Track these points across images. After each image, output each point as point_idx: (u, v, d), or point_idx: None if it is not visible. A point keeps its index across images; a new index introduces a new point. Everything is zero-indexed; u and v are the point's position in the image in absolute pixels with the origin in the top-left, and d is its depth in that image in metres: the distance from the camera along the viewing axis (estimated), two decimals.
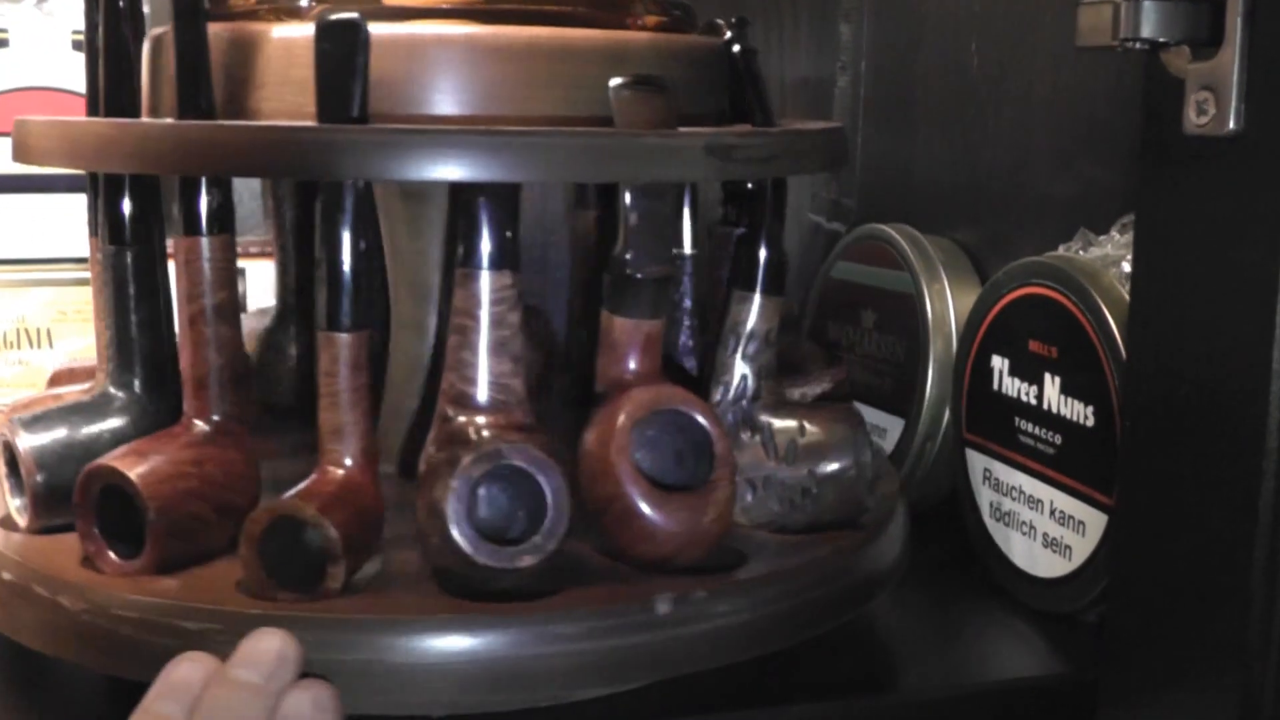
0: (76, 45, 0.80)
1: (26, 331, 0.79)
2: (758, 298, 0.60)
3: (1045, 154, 0.75)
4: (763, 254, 0.60)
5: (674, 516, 0.54)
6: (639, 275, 0.55)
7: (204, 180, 0.56)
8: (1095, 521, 0.62)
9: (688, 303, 0.65)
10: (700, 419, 0.55)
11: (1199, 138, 0.46)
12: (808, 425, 0.59)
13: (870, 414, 0.79)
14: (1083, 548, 0.63)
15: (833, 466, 0.59)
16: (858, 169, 0.92)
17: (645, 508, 0.53)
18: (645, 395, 0.55)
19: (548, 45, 0.57)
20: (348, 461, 0.54)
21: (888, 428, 0.78)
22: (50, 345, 0.79)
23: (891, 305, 0.80)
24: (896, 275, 0.79)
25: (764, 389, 0.60)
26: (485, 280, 0.54)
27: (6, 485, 0.59)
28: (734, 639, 0.54)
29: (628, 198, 0.55)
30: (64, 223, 0.79)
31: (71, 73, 0.80)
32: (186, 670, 0.46)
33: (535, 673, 0.51)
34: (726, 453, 0.55)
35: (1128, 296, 0.60)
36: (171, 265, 0.57)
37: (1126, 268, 0.62)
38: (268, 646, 0.47)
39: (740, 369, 0.60)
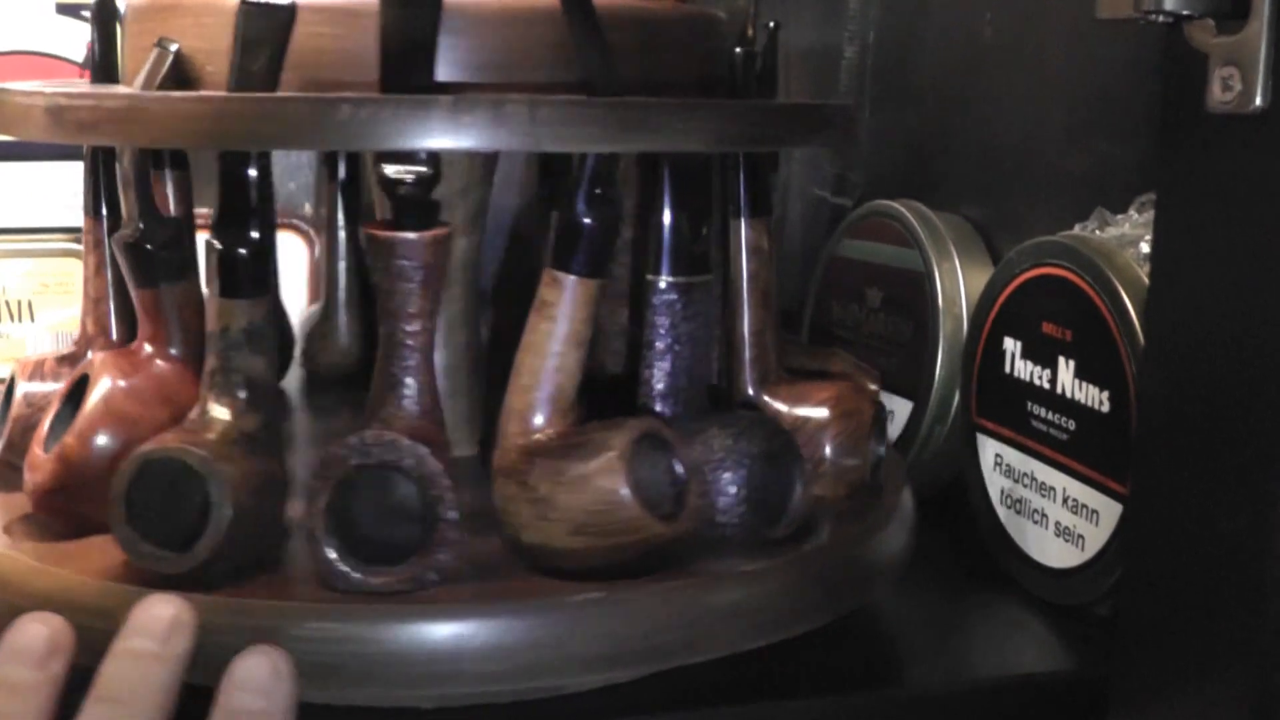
0: (61, 9, 0.78)
1: (7, 304, 0.78)
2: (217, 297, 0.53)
3: (1060, 129, 0.73)
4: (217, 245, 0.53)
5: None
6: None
7: None
8: (1109, 510, 0.60)
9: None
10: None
11: (1223, 115, 0.44)
12: None
13: None
14: (1096, 537, 0.61)
15: None
16: (864, 142, 0.90)
17: None
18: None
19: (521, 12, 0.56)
20: None
21: (894, 410, 0.76)
22: (32, 318, 0.78)
23: (899, 284, 0.78)
24: (905, 253, 0.77)
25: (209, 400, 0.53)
26: None
27: None
28: (733, 630, 0.53)
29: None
30: (47, 192, 0.77)
31: (56, 37, 0.78)
32: (34, 631, 0.44)
33: (527, 662, 0.50)
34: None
35: (1146, 278, 0.59)
36: None
37: (1144, 248, 0.60)
38: (159, 613, 0.45)
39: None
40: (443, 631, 0.49)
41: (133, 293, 0.56)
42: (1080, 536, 0.62)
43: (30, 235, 0.78)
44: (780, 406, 0.61)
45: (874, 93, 0.90)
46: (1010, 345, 0.67)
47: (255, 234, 0.52)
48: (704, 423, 0.55)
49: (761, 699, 0.54)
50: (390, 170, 0.51)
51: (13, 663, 0.44)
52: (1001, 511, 0.68)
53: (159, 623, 0.44)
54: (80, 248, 0.64)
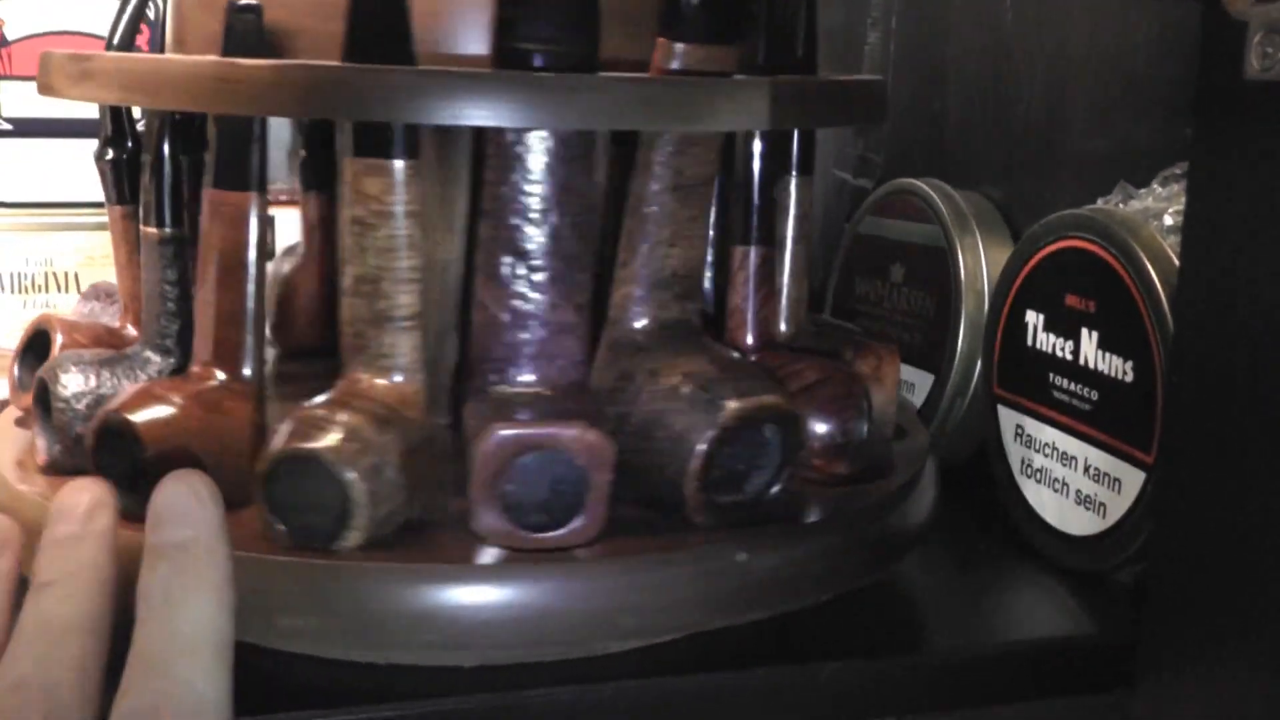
0: None
1: (54, 275, 0.79)
2: None
3: (1081, 108, 0.74)
4: None
5: None
6: None
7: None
8: (1132, 479, 0.61)
9: None
10: None
11: (1261, 84, 0.45)
12: None
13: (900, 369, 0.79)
14: (1118, 506, 0.62)
15: None
16: (886, 124, 0.91)
17: None
18: None
19: None
20: None
21: (916, 383, 0.78)
22: (78, 290, 0.79)
23: (922, 259, 0.79)
24: (927, 229, 0.79)
25: None
26: None
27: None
28: (761, 594, 0.53)
29: None
30: (93, 167, 0.79)
31: (95, 16, 0.79)
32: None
33: (567, 624, 0.51)
34: None
35: (1169, 250, 0.60)
36: None
37: (1169, 220, 0.61)
38: (78, 499, 0.45)
39: None
40: (482, 595, 0.50)
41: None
42: (1102, 505, 0.63)
43: (76, 209, 0.79)
44: None
45: (897, 77, 0.91)
46: (1033, 318, 0.68)
47: None
48: None
49: (788, 663, 0.55)
50: None
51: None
52: (1022, 481, 0.69)
53: (79, 507, 0.45)
54: None
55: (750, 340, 0.62)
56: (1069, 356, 0.65)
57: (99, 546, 0.44)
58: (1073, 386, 0.65)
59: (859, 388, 0.60)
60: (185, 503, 0.43)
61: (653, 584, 0.51)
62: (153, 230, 0.57)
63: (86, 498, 0.45)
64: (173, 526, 0.43)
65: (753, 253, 0.61)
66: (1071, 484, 0.65)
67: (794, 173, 0.63)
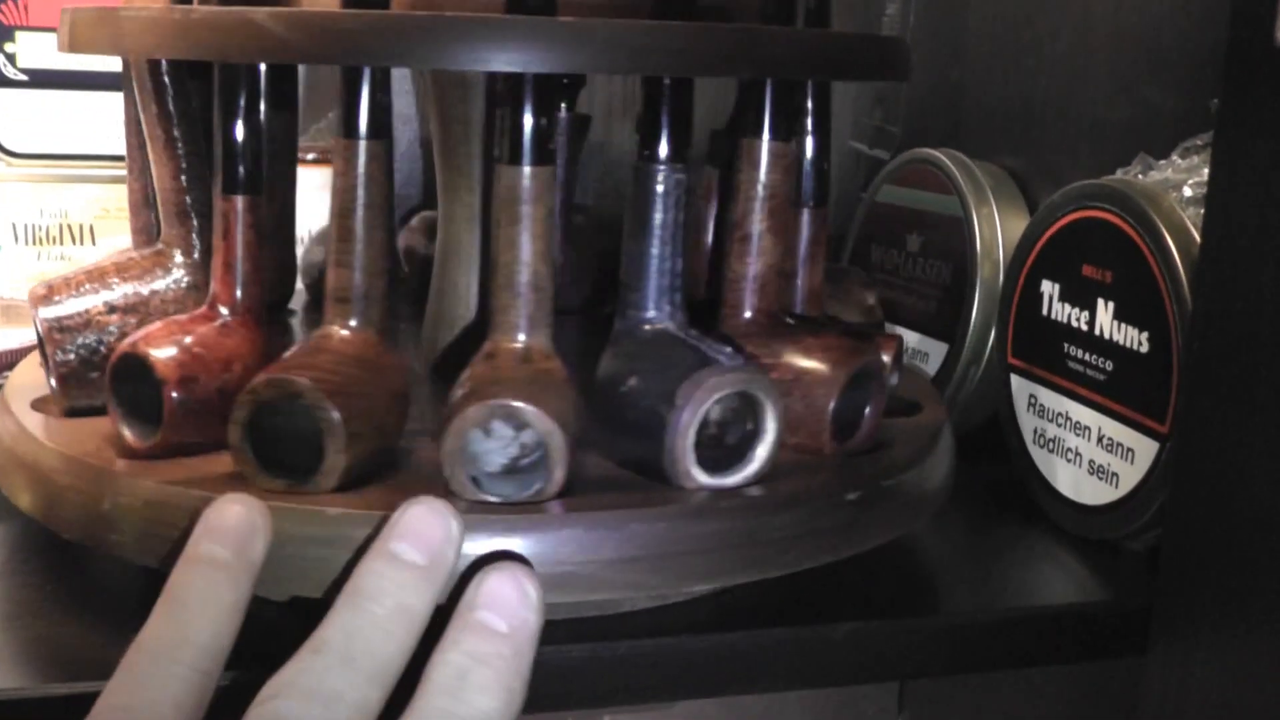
0: None
1: (69, 228, 0.79)
2: None
3: (1101, 80, 0.74)
4: None
5: None
6: None
7: None
8: (1146, 449, 0.61)
9: None
10: None
11: None
12: None
13: (914, 338, 0.79)
14: (1131, 475, 0.62)
15: None
16: (903, 95, 0.91)
17: None
18: None
19: None
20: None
21: (930, 352, 0.78)
22: (93, 242, 0.79)
23: (939, 229, 0.79)
24: (944, 199, 0.79)
25: None
26: None
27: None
28: (777, 553, 0.53)
29: None
30: (109, 120, 0.78)
31: None
32: (234, 512, 0.44)
33: (575, 581, 0.50)
34: None
35: (1188, 221, 0.60)
36: None
37: (1188, 192, 0.61)
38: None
39: None
40: (506, 545, 0.49)
41: None
42: (1114, 474, 0.63)
43: (92, 161, 0.79)
44: None
45: (916, 48, 0.90)
46: (1048, 288, 0.68)
47: None
48: None
49: (804, 623, 0.55)
50: None
51: (214, 542, 0.43)
52: (1035, 450, 0.69)
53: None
54: None
55: (237, 298, 0.56)
56: (1084, 327, 0.65)
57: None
58: (1087, 356, 0.65)
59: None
60: (513, 597, 0.43)
61: (666, 539, 0.51)
62: None
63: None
64: (495, 614, 0.42)
65: (229, 202, 0.55)
66: (1085, 454, 0.65)
67: (525, 163, 0.51)
